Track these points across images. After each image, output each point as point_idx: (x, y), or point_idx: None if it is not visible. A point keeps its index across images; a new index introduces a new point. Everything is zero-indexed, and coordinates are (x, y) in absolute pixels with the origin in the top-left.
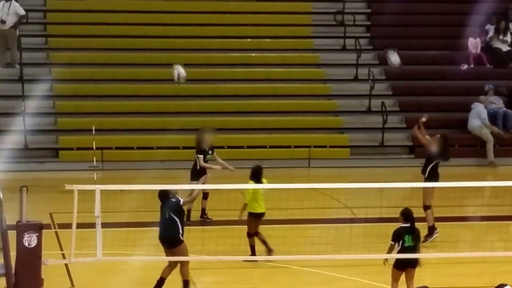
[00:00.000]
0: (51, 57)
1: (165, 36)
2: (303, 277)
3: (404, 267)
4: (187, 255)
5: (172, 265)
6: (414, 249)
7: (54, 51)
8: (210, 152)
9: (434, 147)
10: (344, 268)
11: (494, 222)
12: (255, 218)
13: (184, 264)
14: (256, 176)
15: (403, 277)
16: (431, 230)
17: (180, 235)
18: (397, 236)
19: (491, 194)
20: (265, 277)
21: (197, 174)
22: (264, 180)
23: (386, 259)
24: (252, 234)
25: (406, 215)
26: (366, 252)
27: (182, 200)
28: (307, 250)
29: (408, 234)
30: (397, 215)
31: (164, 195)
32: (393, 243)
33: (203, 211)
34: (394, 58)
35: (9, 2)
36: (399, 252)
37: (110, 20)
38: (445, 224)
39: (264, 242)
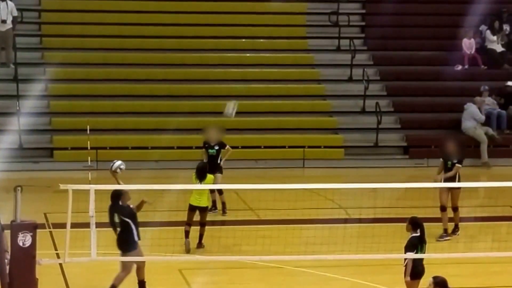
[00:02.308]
0: (45, 57)
1: (159, 36)
2: (297, 277)
3: (418, 276)
4: (142, 255)
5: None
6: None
7: (49, 50)
8: (215, 147)
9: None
10: (338, 268)
11: (488, 223)
12: (190, 210)
13: (141, 265)
14: (199, 172)
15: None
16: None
17: (135, 237)
18: (414, 245)
19: (485, 194)
20: (259, 277)
21: (210, 169)
22: (209, 176)
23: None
24: (189, 223)
25: (416, 223)
26: (360, 253)
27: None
28: (301, 250)
29: (420, 242)
30: (392, 216)
31: (116, 197)
32: (413, 252)
33: (224, 205)
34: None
35: (4, 2)
36: (413, 261)
37: (105, 20)
38: (439, 225)
39: (200, 236)
